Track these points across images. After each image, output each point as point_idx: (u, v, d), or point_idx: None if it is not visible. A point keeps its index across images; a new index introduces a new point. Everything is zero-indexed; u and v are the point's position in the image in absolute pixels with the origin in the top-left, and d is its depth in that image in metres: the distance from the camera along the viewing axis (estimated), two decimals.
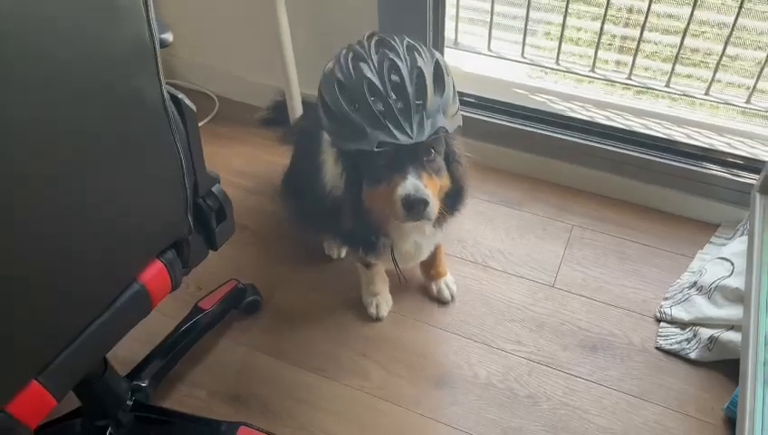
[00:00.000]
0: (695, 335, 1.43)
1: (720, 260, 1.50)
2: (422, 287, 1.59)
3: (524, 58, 1.86)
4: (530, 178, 1.83)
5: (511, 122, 1.79)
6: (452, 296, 1.56)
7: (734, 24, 1.54)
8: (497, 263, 1.64)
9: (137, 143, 0.84)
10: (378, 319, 1.53)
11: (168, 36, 1.07)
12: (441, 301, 1.56)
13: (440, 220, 1.20)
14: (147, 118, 0.83)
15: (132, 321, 1.04)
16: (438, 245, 1.47)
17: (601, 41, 1.74)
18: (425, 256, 1.39)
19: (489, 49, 1.89)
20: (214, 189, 1.09)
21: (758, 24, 1.56)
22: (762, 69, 1.59)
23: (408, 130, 1.01)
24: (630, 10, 1.72)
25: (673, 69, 1.69)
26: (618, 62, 1.80)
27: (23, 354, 0.83)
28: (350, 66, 1.05)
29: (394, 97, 1.03)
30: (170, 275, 1.05)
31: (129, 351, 1.41)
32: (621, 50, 1.79)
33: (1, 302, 0.74)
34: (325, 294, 1.59)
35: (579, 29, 1.82)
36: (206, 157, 1.92)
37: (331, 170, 1.20)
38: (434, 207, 1.08)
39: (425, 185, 1.06)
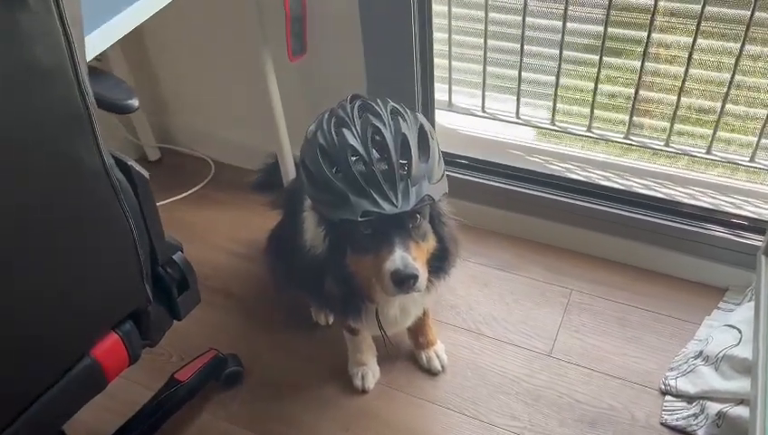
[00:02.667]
0: (702, 410, 1.33)
1: (727, 328, 1.41)
2: (411, 357, 1.52)
3: (519, 119, 1.83)
4: (526, 240, 1.76)
5: (506, 184, 1.74)
6: (442, 367, 1.48)
7: (730, 82, 1.49)
8: (491, 330, 1.56)
9: (80, 212, 0.81)
10: (364, 391, 1.45)
11: (134, 102, 1.05)
12: (431, 371, 1.48)
13: (428, 285, 1.15)
14: (88, 186, 0.80)
15: (85, 397, 0.99)
16: (426, 309, 1.41)
17: (612, 103, 1.70)
18: (412, 320, 1.33)
19: (483, 110, 1.87)
20: (175, 258, 1.05)
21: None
22: (764, 126, 1.53)
23: (393, 199, 0.98)
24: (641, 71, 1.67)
25: (671, 128, 1.63)
26: (626, 123, 1.74)
27: None
28: (333, 132, 1.03)
29: (378, 165, 1.00)
30: (127, 349, 1.00)
31: (99, 422, 1.36)
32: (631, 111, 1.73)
33: None
34: (310, 364, 1.53)
35: (581, 90, 1.78)
36: (201, 222, 1.93)
37: (312, 230, 1.16)
38: (423, 279, 1.04)
39: (413, 257, 1.03)
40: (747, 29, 1.42)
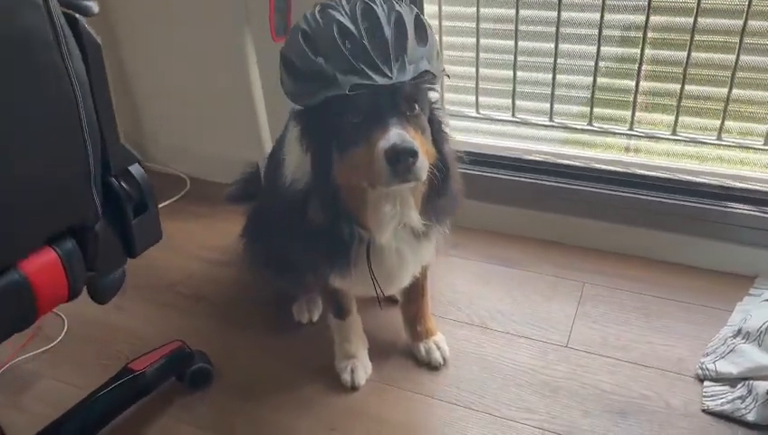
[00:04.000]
0: (749, 391, 1.13)
1: (765, 302, 1.25)
2: (405, 353, 1.32)
3: (516, 117, 1.73)
4: (528, 238, 1.62)
5: (504, 175, 1.62)
6: (444, 359, 1.28)
7: (735, 64, 1.40)
8: (498, 324, 1.37)
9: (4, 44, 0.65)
10: (353, 387, 1.24)
11: (92, 5, 0.93)
12: (431, 365, 1.28)
13: (426, 209, 1.01)
14: (20, 12, 0.65)
15: (6, 323, 0.79)
16: (425, 273, 1.24)
17: (612, 98, 1.61)
18: (407, 274, 1.13)
19: (477, 111, 1.77)
20: (132, 170, 0.89)
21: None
22: None
23: (387, 71, 0.85)
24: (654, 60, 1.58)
25: (677, 115, 1.53)
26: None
27: None
28: (318, 16, 0.91)
29: (369, 39, 0.87)
30: (66, 273, 0.82)
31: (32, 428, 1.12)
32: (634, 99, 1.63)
33: None
34: (290, 364, 1.32)
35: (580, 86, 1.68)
36: (174, 232, 1.76)
37: (294, 158, 1.01)
38: (423, 163, 0.88)
39: (411, 136, 0.88)
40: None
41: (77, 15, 0.74)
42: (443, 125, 1.00)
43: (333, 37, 0.86)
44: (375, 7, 0.88)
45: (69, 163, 0.77)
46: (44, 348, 1.40)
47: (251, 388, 1.27)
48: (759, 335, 1.18)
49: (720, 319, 1.33)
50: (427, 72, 0.88)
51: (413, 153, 0.85)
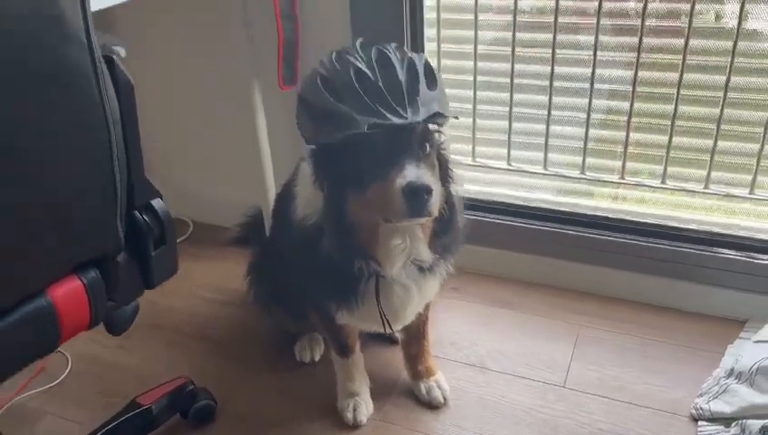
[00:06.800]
0: (743, 430, 1.17)
1: (756, 343, 1.29)
2: (406, 393, 1.35)
3: (511, 165, 1.80)
4: (527, 282, 1.66)
5: (501, 220, 1.67)
6: (444, 398, 1.30)
7: (719, 118, 1.48)
8: (497, 364, 1.40)
9: (47, 75, 0.70)
10: (355, 425, 1.26)
11: (121, 51, 0.99)
12: (431, 404, 1.30)
13: (434, 244, 1.05)
14: (62, 46, 0.70)
15: (31, 348, 0.81)
16: (425, 323, 1.29)
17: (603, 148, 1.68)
18: (412, 310, 1.16)
19: (474, 160, 1.84)
20: (154, 204, 0.93)
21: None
22: (759, 155, 1.50)
23: (402, 111, 0.92)
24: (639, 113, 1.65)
25: (666, 163, 1.60)
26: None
27: None
28: (335, 61, 0.97)
29: (385, 83, 0.93)
30: (90, 301, 0.85)
31: None
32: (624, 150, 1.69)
33: None
34: (294, 402, 1.34)
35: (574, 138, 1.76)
36: (178, 273, 1.78)
37: (306, 194, 1.06)
38: (436, 197, 0.94)
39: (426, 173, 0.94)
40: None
41: (113, 56, 0.80)
42: (449, 163, 1.06)
43: (351, 81, 0.92)
44: (389, 54, 0.95)
45: (99, 193, 0.82)
46: (48, 386, 1.41)
47: (253, 425, 1.29)
48: (750, 376, 1.21)
49: (714, 361, 1.37)
50: (438, 113, 0.95)
51: (428, 190, 0.91)
